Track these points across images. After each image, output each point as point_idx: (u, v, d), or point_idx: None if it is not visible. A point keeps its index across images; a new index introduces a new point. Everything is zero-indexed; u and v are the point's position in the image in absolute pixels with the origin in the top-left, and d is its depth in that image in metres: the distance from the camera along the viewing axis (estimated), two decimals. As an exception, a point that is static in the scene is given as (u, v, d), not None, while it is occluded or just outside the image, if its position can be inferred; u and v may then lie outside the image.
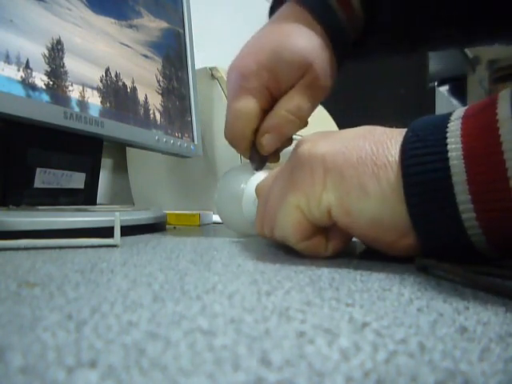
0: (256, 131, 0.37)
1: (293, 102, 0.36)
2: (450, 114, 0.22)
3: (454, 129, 0.20)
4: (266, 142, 0.36)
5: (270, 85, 0.36)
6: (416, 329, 0.12)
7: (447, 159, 0.20)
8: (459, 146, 0.20)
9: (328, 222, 0.24)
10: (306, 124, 0.38)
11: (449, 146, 0.20)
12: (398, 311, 0.14)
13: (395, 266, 0.23)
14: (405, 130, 0.23)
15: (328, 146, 0.24)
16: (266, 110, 0.37)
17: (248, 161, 0.39)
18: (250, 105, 0.36)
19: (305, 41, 0.36)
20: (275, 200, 0.26)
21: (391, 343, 0.11)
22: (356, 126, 0.26)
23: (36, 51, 0.38)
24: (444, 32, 0.42)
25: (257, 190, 0.32)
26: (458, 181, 0.19)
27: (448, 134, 0.20)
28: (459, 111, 0.22)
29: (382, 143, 0.22)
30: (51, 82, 0.39)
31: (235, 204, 0.36)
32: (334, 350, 0.10)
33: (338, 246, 0.26)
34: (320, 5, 0.37)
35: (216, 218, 0.58)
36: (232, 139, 0.38)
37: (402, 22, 0.41)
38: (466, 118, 0.20)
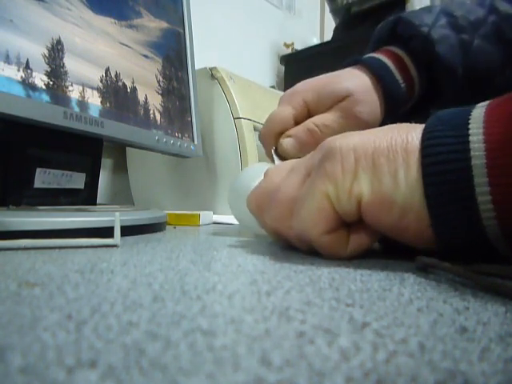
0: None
1: (322, 117, 0.40)
2: (475, 105, 0.22)
3: (477, 115, 0.21)
4: (286, 144, 0.40)
5: (310, 103, 0.41)
6: (416, 329, 0.12)
7: (468, 142, 0.20)
8: (481, 130, 0.20)
9: (355, 214, 0.24)
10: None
11: (470, 131, 0.20)
12: (397, 311, 0.14)
13: (395, 266, 0.23)
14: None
15: (358, 137, 0.24)
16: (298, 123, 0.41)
17: (263, 162, 0.41)
18: (285, 111, 0.41)
19: (355, 81, 0.42)
20: (291, 190, 0.26)
21: (391, 343, 0.11)
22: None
23: (36, 51, 0.38)
24: None
25: (267, 171, 0.31)
26: (477, 163, 0.19)
27: (471, 120, 0.21)
28: (484, 102, 0.22)
29: (411, 132, 0.23)
30: (51, 82, 0.39)
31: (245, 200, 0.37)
32: (334, 350, 0.10)
33: (358, 246, 0.25)
34: (379, 65, 0.43)
35: (216, 218, 0.58)
36: (261, 137, 0.43)
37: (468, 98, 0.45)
38: (489, 107, 0.21)
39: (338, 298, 0.16)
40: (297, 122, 0.41)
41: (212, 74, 0.65)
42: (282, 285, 0.18)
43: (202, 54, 0.72)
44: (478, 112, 0.21)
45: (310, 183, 0.25)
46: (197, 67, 0.65)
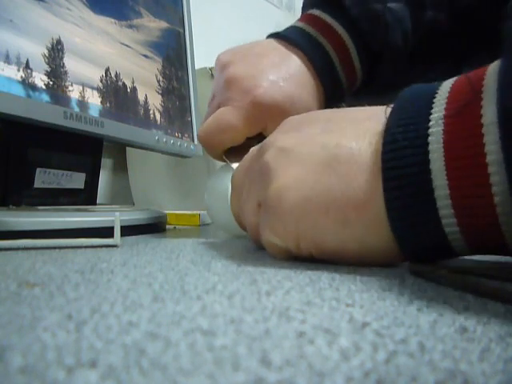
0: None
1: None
2: (430, 106, 0.20)
3: (436, 131, 0.19)
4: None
5: (269, 128, 0.36)
6: (416, 329, 0.12)
7: (428, 161, 0.19)
8: (441, 151, 0.19)
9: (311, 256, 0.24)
10: None
11: (430, 155, 0.19)
12: (397, 311, 0.14)
13: (395, 266, 0.23)
14: (378, 123, 0.21)
15: (296, 192, 0.22)
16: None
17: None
18: (241, 131, 0.36)
19: (312, 100, 0.38)
20: (252, 218, 0.26)
21: (391, 343, 0.11)
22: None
23: (36, 51, 0.38)
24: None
25: (232, 180, 0.31)
26: (435, 170, 0.18)
27: (430, 139, 0.19)
28: (440, 106, 0.19)
29: (352, 181, 0.21)
30: (51, 82, 0.39)
31: (223, 202, 0.35)
32: (334, 350, 0.10)
33: None
34: (323, 67, 0.39)
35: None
36: (206, 144, 0.37)
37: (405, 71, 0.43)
38: (448, 119, 0.19)
39: (337, 298, 0.16)
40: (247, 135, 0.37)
41: (212, 74, 0.65)
42: (282, 285, 0.18)
43: (202, 54, 0.72)
44: (437, 125, 0.19)
45: (260, 225, 0.25)
46: (197, 67, 0.65)
